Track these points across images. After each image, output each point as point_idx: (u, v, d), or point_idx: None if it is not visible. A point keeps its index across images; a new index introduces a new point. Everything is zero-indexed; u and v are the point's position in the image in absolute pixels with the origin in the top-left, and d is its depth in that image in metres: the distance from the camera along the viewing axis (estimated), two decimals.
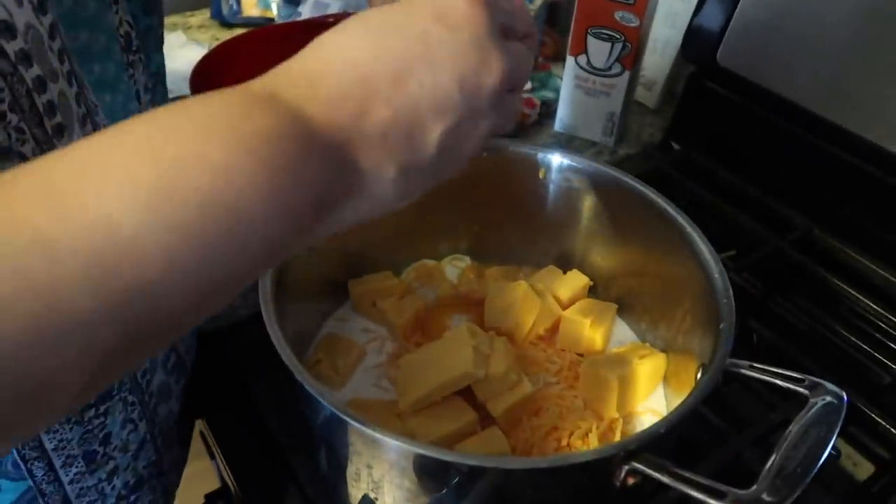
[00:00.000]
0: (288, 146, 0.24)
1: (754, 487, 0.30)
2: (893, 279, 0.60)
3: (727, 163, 0.73)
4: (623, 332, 0.52)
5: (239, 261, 0.24)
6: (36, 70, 0.30)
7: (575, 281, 0.53)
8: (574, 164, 0.50)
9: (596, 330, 0.49)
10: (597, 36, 0.75)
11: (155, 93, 0.49)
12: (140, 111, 0.45)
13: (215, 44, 0.67)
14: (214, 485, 0.59)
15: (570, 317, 0.49)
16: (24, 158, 0.31)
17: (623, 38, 0.74)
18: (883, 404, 0.50)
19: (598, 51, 0.76)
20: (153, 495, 0.48)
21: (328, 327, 0.52)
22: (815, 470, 0.30)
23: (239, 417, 0.52)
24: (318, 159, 0.25)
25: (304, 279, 0.47)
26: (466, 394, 0.45)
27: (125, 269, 0.21)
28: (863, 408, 0.49)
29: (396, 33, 0.28)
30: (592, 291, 0.54)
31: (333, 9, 0.94)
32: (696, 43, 0.74)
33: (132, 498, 0.46)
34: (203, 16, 1.06)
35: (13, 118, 0.30)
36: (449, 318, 0.51)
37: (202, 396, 0.55)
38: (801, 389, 0.34)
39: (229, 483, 0.51)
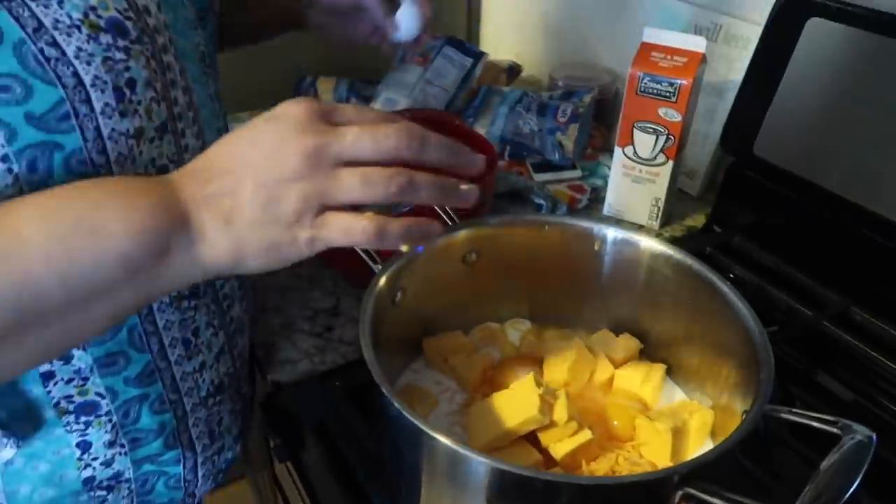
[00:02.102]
0: (146, 204, 0.36)
1: None
2: None
3: (766, 245, 0.79)
4: (673, 392, 0.57)
5: (97, 273, 0.36)
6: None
7: (627, 343, 0.58)
8: (626, 237, 0.57)
9: (646, 385, 0.54)
10: (642, 129, 0.83)
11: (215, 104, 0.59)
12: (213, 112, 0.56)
13: None
14: None
15: (622, 373, 0.55)
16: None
17: (667, 131, 0.82)
18: None
19: (644, 142, 0.84)
20: (231, 405, 0.59)
21: (405, 379, 0.58)
22: (846, 495, 0.35)
23: (322, 459, 0.58)
24: (160, 211, 0.37)
25: (388, 337, 0.54)
26: (531, 439, 0.50)
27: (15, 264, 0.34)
28: None
29: (241, 129, 0.39)
30: (644, 353, 0.59)
31: (401, 105, 1.05)
32: (734, 136, 0.81)
33: (217, 398, 0.57)
34: None
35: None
36: (512, 372, 0.56)
37: (287, 442, 0.61)
38: (834, 430, 0.39)
39: None
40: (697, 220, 0.91)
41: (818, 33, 0.73)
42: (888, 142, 0.67)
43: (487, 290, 0.61)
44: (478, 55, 1.10)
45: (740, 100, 0.80)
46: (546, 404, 0.49)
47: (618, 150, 0.86)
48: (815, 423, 0.40)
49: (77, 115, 0.39)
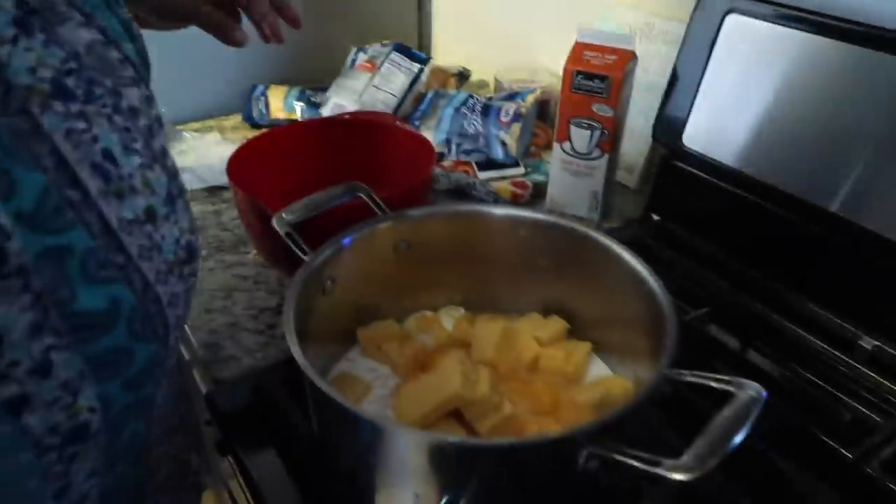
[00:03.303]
0: None
1: (683, 458, 0.37)
2: (847, 326, 0.67)
3: (699, 231, 0.82)
4: (598, 368, 0.59)
5: None
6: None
7: (554, 325, 0.60)
8: (548, 221, 0.59)
9: (571, 362, 0.56)
10: (578, 125, 0.86)
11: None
12: None
13: (243, 143, 0.79)
14: None
15: (548, 352, 0.57)
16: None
17: (601, 126, 0.85)
18: (846, 439, 0.56)
19: (580, 137, 0.87)
20: None
21: (340, 367, 0.60)
22: (732, 445, 0.37)
23: (262, 451, 0.59)
24: None
25: (321, 326, 0.55)
26: (459, 418, 0.52)
27: None
28: (829, 441, 0.55)
29: None
30: (572, 334, 0.62)
31: (348, 110, 1.07)
32: (664, 129, 0.85)
33: None
34: (236, 119, 1.20)
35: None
36: (444, 357, 0.58)
37: (229, 437, 0.62)
38: (730, 388, 0.41)
39: None
40: (636, 212, 0.94)
41: (742, 30, 0.77)
42: (813, 129, 0.71)
43: (420, 279, 0.63)
44: (424, 60, 1.13)
45: (668, 94, 0.84)
46: (469, 381, 0.50)
47: (556, 146, 0.89)
48: (712, 383, 0.42)
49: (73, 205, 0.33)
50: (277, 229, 0.55)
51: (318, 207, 0.58)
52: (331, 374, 0.59)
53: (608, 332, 0.59)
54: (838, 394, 0.63)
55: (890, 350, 0.64)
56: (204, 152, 1.04)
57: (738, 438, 0.38)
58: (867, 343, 0.66)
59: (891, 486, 0.52)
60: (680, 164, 0.85)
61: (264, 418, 0.61)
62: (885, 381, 0.62)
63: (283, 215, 0.56)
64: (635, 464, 0.38)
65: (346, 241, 0.56)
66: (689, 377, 0.44)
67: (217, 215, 0.94)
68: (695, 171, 0.83)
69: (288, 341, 0.46)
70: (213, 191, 0.99)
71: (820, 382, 0.64)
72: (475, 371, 0.52)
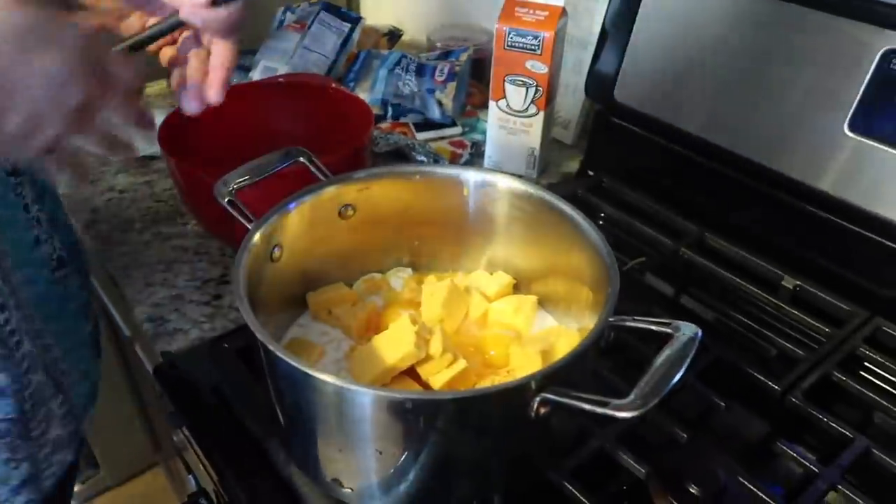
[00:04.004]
0: None
1: (629, 398, 0.39)
2: (771, 268, 0.71)
3: (633, 184, 0.85)
4: (545, 320, 0.62)
5: None
6: None
7: (500, 280, 0.62)
8: (488, 179, 0.60)
9: (519, 315, 0.58)
10: (513, 83, 0.87)
11: (44, 202, 0.60)
12: (28, 220, 0.57)
13: (172, 110, 0.77)
14: None
15: (496, 307, 0.59)
16: None
17: (535, 83, 0.86)
18: (773, 372, 0.60)
19: (515, 95, 0.88)
20: (10, 454, 0.57)
21: (291, 333, 0.60)
22: (673, 382, 0.40)
23: (217, 420, 0.59)
24: None
25: (271, 294, 0.55)
26: (413, 376, 0.53)
27: None
28: (758, 375, 0.59)
29: None
30: (519, 289, 0.63)
31: (281, 72, 1.04)
32: (596, 85, 0.86)
33: None
34: (161, 85, 1.15)
35: None
36: (395, 317, 0.59)
37: (182, 409, 0.62)
38: (668, 330, 0.44)
39: (211, 483, 0.58)
40: (573, 167, 0.96)
41: None
42: (736, 82, 0.74)
43: (367, 242, 0.64)
44: (355, 20, 1.11)
45: (598, 50, 0.85)
46: (422, 340, 0.52)
47: (492, 104, 0.90)
48: (652, 327, 0.45)
49: None
50: (219, 198, 0.55)
51: (259, 173, 0.57)
52: (282, 341, 0.59)
53: (553, 285, 0.61)
54: (765, 331, 0.67)
55: (810, 288, 0.69)
56: None
57: (678, 376, 0.40)
58: (789, 283, 0.70)
59: (813, 412, 0.57)
60: (613, 119, 0.87)
61: (217, 389, 0.61)
62: (805, 318, 0.67)
63: (225, 183, 0.55)
64: (584, 406, 0.40)
65: (291, 206, 0.56)
66: (631, 322, 0.46)
67: (149, 186, 0.92)
68: (628, 125, 0.86)
69: (240, 309, 0.46)
70: (144, 161, 0.96)
71: (748, 322, 0.68)
72: (427, 330, 0.53)
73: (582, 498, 0.49)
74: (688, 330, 0.43)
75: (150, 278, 0.76)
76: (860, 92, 0.64)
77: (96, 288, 0.95)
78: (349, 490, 0.49)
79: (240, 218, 0.54)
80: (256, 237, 0.53)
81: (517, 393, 0.42)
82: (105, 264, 0.79)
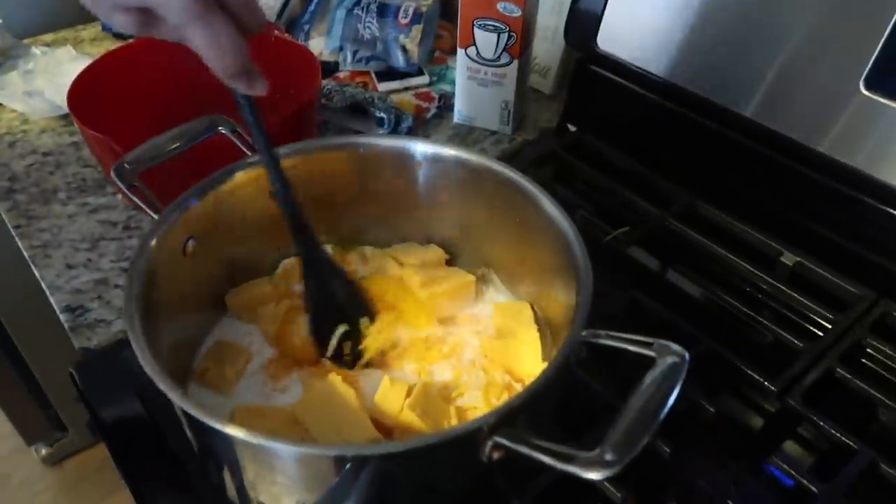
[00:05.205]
0: None
1: (597, 450, 0.31)
2: (769, 241, 0.64)
3: (616, 143, 0.76)
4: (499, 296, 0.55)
5: None
6: None
7: (430, 253, 0.56)
8: (437, 151, 0.51)
9: (430, 288, 0.52)
10: (483, 27, 0.77)
11: None
12: None
13: (89, 63, 0.66)
14: None
15: (407, 272, 0.54)
16: None
17: (507, 28, 0.76)
18: (768, 365, 0.53)
19: (486, 41, 0.78)
20: None
21: (215, 335, 0.52)
22: (656, 427, 0.32)
23: (138, 437, 0.52)
24: None
25: (181, 293, 0.47)
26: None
27: None
28: (753, 374, 0.52)
29: None
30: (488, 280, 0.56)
31: None
32: (577, 30, 0.76)
33: None
34: (95, 29, 1.03)
35: None
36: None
37: (99, 420, 0.54)
38: (650, 353, 0.36)
39: None
40: (551, 121, 0.87)
41: None
42: (734, 31, 0.64)
43: None
44: None
45: None
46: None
47: (461, 52, 0.80)
48: (631, 347, 0.37)
49: None
50: (119, 183, 0.46)
51: (170, 150, 0.48)
52: (205, 343, 0.51)
53: (507, 260, 0.53)
54: (760, 316, 0.60)
55: (811, 266, 0.62)
56: (56, 71, 0.90)
57: (661, 416, 0.33)
58: (788, 259, 0.63)
59: (812, 417, 0.50)
60: (595, 69, 0.77)
61: (141, 395, 0.53)
62: (806, 301, 0.59)
63: (126, 165, 0.46)
64: (544, 458, 0.32)
65: (204, 192, 0.47)
66: (606, 339, 0.38)
67: (77, 148, 0.82)
68: (611, 75, 0.76)
69: (134, 347, 0.37)
70: (71, 118, 0.85)
71: (741, 305, 0.60)
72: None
73: None
74: (672, 355, 0.35)
75: (71, 258, 0.67)
76: (880, 43, 0.55)
77: None
78: None
79: (144, 207, 0.46)
80: (163, 230, 0.44)
81: (464, 440, 0.34)
82: (22, 242, 0.70)
